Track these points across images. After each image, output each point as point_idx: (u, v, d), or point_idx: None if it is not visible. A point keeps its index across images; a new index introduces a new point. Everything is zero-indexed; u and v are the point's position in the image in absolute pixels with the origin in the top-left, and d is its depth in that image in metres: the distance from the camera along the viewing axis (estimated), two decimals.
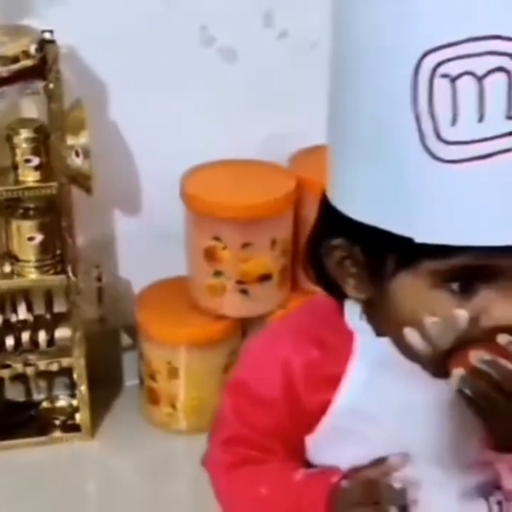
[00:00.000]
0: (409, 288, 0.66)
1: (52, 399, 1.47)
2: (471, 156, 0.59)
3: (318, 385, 0.76)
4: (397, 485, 0.71)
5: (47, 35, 1.21)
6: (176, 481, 1.35)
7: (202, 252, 1.34)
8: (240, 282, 1.33)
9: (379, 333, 0.73)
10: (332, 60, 0.65)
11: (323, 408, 0.76)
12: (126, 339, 1.53)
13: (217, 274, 1.34)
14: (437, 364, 0.68)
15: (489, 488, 0.76)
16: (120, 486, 1.33)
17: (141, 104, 1.35)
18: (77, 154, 1.26)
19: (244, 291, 1.35)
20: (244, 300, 1.36)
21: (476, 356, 0.63)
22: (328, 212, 0.70)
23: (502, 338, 0.63)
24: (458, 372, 0.64)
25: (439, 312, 0.65)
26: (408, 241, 0.63)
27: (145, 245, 1.44)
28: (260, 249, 1.33)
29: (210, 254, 1.33)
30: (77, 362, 1.36)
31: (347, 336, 0.75)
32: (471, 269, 0.63)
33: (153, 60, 1.35)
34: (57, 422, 1.44)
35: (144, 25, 1.32)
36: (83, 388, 1.37)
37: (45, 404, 1.47)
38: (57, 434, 1.43)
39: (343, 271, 0.70)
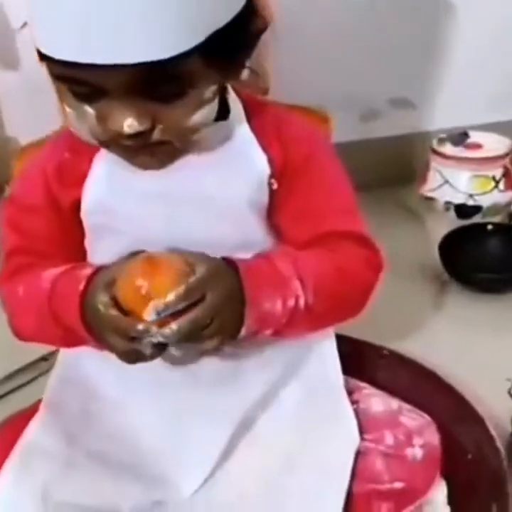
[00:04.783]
0: (57, 89, 0.75)
1: None
2: None
3: (69, 183, 0.82)
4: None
5: None
6: None
7: None
8: None
9: None
10: None
11: (76, 205, 0.82)
12: None
13: None
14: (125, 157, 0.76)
15: None
16: None
17: None
18: None
19: None
20: None
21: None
22: None
23: (147, 315, 0.71)
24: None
25: (72, 106, 0.73)
26: None
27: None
28: None
29: None
30: None
31: None
32: (70, 78, 0.71)
33: None
34: None
35: None
36: None
37: None
38: None
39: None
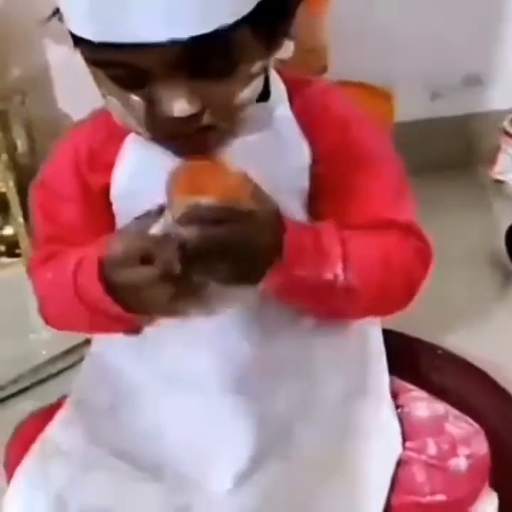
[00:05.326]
0: (96, 77, 0.69)
1: None
2: None
3: (100, 167, 0.79)
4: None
5: None
6: None
7: None
8: None
9: None
10: None
11: (106, 189, 0.79)
12: None
13: None
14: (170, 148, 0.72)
15: None
16: None
17: None
18: None
19: None
20: None
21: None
22: None
23: (177, 207, 0.63)
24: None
25: (115, 94, 0.68)
26: None
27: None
28: None
29: None
30: (9, 190, 1.38)
31: None
32: (110, 62, 0.65)
33: None
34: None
35: None
36: (20, 219, 1.40)
37: None
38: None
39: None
